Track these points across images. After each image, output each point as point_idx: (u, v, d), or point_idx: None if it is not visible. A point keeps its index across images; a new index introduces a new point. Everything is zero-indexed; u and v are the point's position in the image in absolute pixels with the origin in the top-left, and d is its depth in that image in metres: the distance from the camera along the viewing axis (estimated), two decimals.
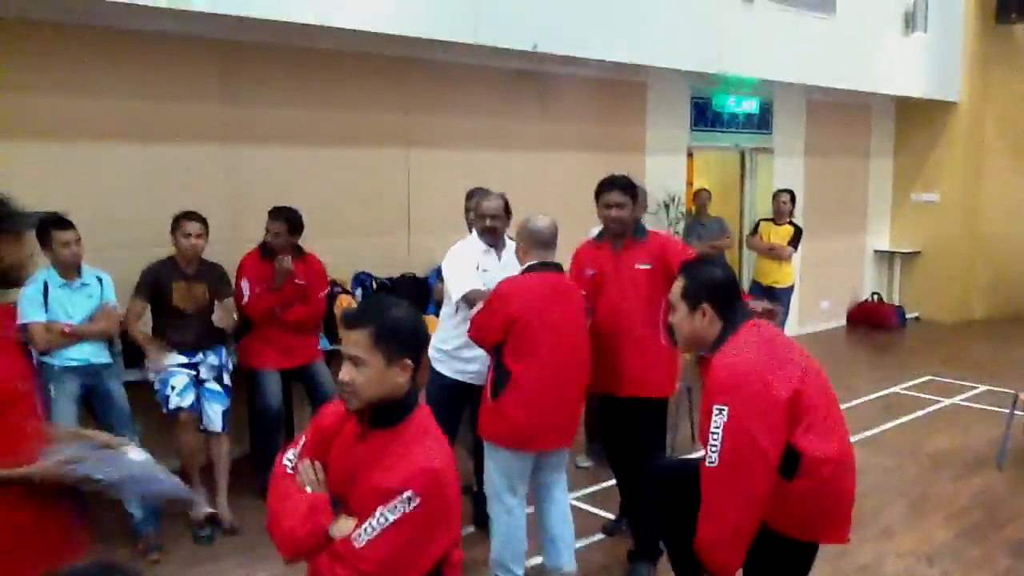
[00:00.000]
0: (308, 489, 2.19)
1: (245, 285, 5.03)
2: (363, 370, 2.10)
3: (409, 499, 2.02)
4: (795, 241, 7.66)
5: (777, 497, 2.61)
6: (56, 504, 2.28)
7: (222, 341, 5.01)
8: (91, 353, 4.46)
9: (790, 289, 7.82)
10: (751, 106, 9.30)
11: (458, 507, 2.19)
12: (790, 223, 7.75)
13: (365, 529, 2.03)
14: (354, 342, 2.12)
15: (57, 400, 4.29)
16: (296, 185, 5.35)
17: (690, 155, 9.19)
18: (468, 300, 3.99)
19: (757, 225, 8.04)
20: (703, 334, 2.79)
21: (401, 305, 2.22)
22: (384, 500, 2.04)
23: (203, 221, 4.79)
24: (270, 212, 5.09)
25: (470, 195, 4.87)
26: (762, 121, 9.56)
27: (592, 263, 4.11)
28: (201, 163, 5.62)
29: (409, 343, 2.16)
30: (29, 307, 4.34)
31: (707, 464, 2.63)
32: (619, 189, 3.98)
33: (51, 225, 4.38)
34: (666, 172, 8.56)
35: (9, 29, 4.87)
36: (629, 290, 3.97)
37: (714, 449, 2.59)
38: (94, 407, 4.48)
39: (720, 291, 2.80)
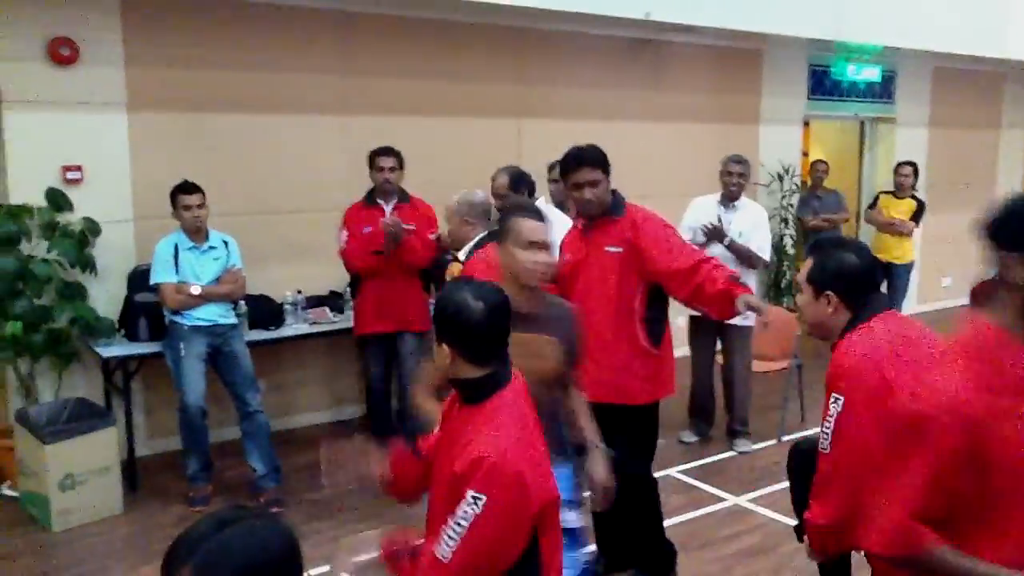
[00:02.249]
0: None
1: (343, 234, 5.08)
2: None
3: (475, 499, 1.95)
4: (917, 216, 7.36)
5: None
6: None
7: None
8: (218, 314, 4.66)
9: (910, 266, 7.53)
10: (872, 74, 8.92)
11: (531, 486, 2.02)
12: (912, 197, 7.44)
13: (445, 542, 1.98)
14: None
15: (187, 358, 4.53)
16: (411, 156, 5.43)
17: (806, 124, 8.90)
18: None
19: (876, 198, 7.74)
20: (827, 322, 2.64)
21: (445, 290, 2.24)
22: (450, 485, 2.02)
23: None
24: (375, 152, 5.12)
25: (552, 167, 4.89)
26: (884, 90, 9.16)
27: (569, 247, 3.61)
28: (320, 133, 5.81)
29: (443, 328, 2.14)
30: (161, 268, 4.58)
31: (820, 449, 2.58)
32: (589, 165, 3.43)
33: (178, 190, 4.61)
34: (781, 143, 8.31)
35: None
36: (596, 279, 3.45)
37: (826, 436, 2.53)
38: (219, 367, 4.70)
39: (851, 280, 2.61)
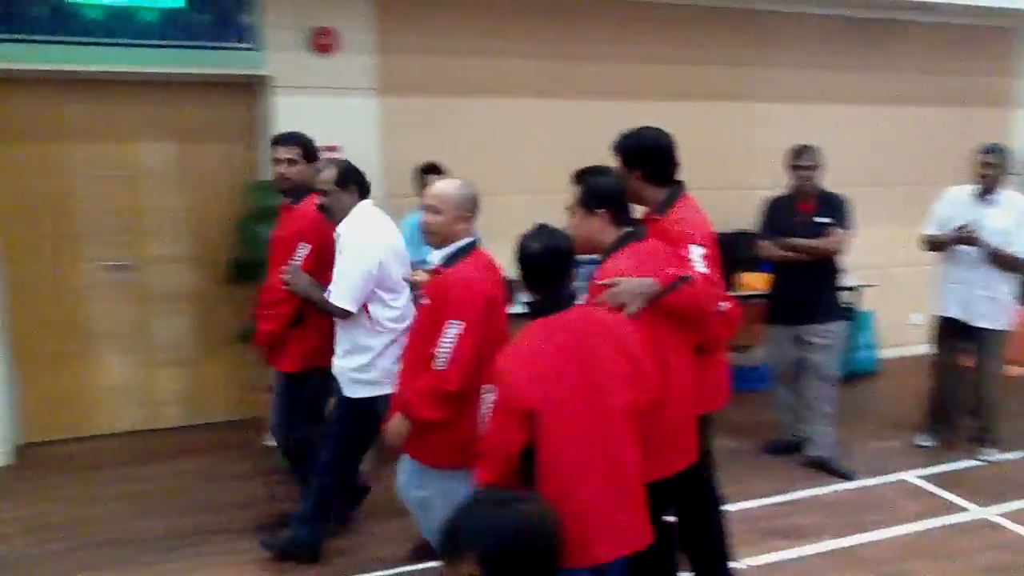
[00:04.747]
0: None
1: None
2: None
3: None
4: None
5: None
6: None
7: None
8: None
9: None
10: None
11: (518, 386, 2.45)
12: None
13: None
14: None
15: None
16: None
17: None
18: None
19: None
20: None
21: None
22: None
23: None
24: None
25: (797, 153, 4.74)
26: None
27: None
28: (552, 116, 5.97)
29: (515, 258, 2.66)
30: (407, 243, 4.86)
31: None
32: None
33: (425, 170, 4.89)
34: None
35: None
36: None
37: None
38: None
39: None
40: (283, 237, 3.87)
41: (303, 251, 3.75)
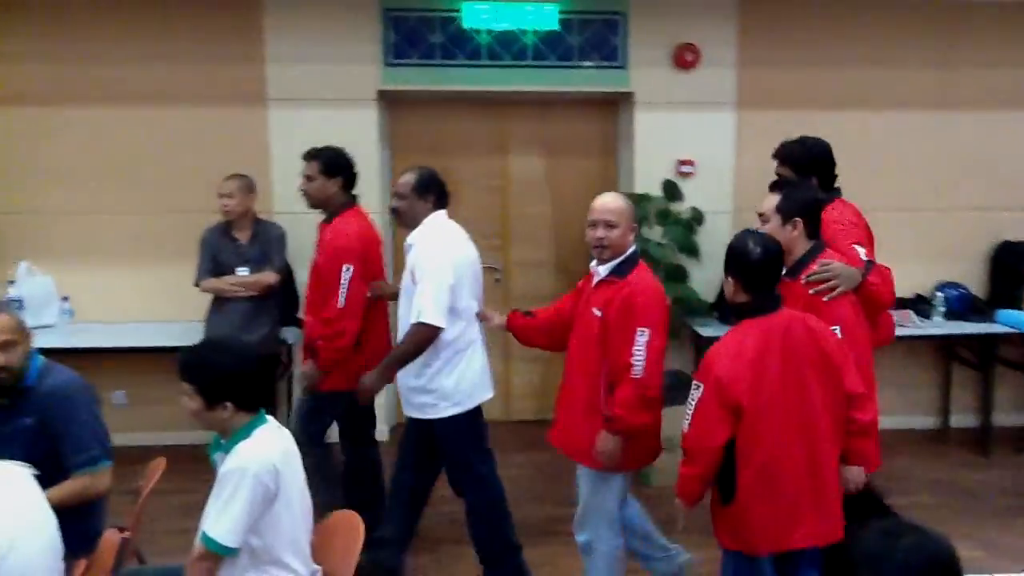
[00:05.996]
0: None
1: None
2: None
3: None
4: None
5: None
6: None
7: None
8: None
9: None
10: None
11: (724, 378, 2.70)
12: None
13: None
14: None
15: None
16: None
17: None
18: None
19: None
20: None
21: None
22: None
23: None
24: None
25: None
26: None
27: None
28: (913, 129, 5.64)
29: (728, 262, 2.82)
30: None
31: None
32: None
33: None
34: None
35: None
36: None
37: None
38: None
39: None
40: (321, 262, 3.90)
41: (347, 274, 3.76)
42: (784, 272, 2.92)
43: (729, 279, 2.78)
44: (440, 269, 3.41)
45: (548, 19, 5.36)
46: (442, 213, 3.62)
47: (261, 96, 5.31)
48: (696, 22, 5.45)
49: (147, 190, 5.35)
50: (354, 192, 4.10)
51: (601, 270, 3.20)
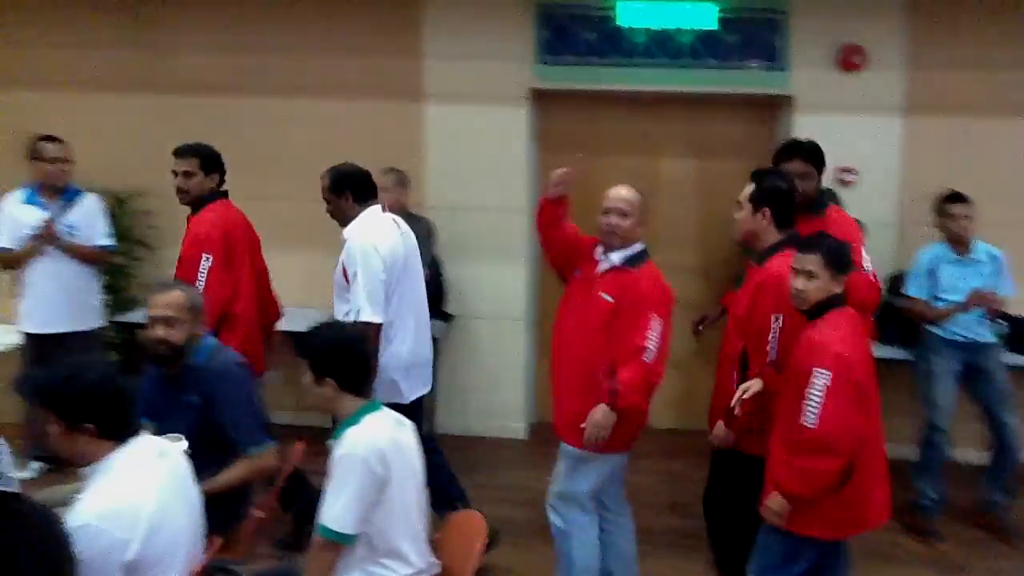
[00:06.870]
0: None
1: None
2: None
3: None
4: None
5: None
6: None
7: None
8: (973, 330, 4.46)
9: None
10: None
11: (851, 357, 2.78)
12: None
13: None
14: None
15: (939, 373, 4.46)
16: None
17: None
18: None
19: None
20: None
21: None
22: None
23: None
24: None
25: None
26: None
27: None
28: None
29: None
30: (915, 281, 4.55)
31: None
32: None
33: (945, 200, 4.47)
34: None
35: None
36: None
37: None
38: (972, 385, 4.52)
39: None
40: (184, 252, 3.87)
41: (206, 263, 3.78)
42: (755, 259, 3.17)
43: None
44: (370, 265, 3.51)
45: (707, 18, 5.23)
46: (376, 207, 3.72)
47: (419, 91, 5.44)
48: (861, 21, 5.17)
49: (301, 179, 5.53)
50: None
51: (614, 258, 3.26)
